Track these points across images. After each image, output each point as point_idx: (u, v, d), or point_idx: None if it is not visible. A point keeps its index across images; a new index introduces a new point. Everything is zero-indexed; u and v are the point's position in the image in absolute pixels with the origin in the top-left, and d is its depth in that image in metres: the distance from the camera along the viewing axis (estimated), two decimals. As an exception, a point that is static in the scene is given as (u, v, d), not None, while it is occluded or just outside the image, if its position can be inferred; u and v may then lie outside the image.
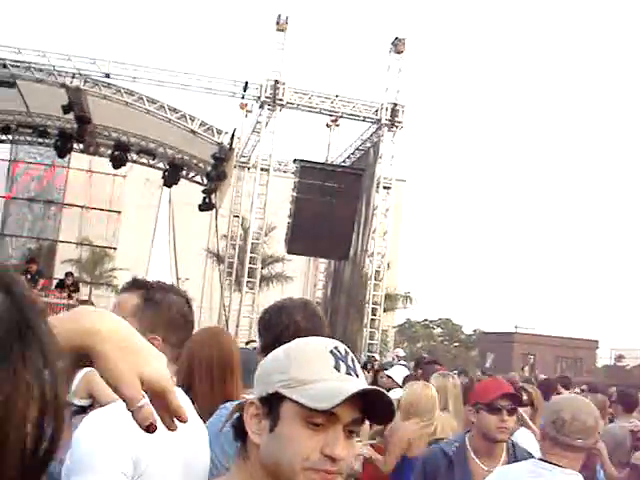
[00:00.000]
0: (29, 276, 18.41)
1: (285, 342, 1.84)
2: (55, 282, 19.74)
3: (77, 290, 18.68)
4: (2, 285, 0.63)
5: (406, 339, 54.74)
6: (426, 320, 60.40)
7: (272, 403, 1.39)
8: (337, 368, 1.39)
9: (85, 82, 19.24)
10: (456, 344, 60.93)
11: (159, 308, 2.24)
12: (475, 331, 59.21)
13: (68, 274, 19.38)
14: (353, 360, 1.45)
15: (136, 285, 2.32)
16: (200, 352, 3.30)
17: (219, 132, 19.87)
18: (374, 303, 20.74)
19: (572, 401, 3.20)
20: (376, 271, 20.89)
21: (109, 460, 1.91)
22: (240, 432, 1.46)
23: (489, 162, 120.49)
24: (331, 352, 1.42)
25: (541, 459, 3.00)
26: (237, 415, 1.48)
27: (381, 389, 1.43)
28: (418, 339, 59.03)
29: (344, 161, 23.90)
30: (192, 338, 3.76)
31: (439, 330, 63.60)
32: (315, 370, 1.37)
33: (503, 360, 43.59)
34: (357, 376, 1.41)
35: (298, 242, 20.98)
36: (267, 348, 2.43)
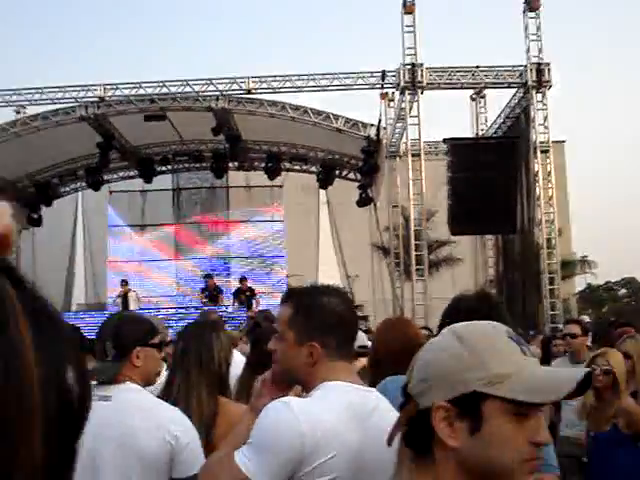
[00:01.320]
0: (207, 292, 19.21)
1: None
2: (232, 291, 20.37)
3: (253, 295, 19.19)
4: None
5: (590, 305, 52.49)
6: (609, 282, 57.72)
7: (468, 403, 1.30)
8: (524, 352, 1.34)
9: (229, 102, 19.87)
10: (644, 302, 57.79)
11: (310, 314, 2.21)
12: (663, 285, 55.97)
13: (242, 279, 19.93)
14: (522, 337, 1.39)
15: (288, 296, 2.34)
16: (384, 342, 3.26)
17: (364, 126, 19.89)
18: (550, 272, 19.97)
19: None
20: (547, 239, 20.11)
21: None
22: (415, 436, 1.37)
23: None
24: (508, 336, 1.36)
25: None
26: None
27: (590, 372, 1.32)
28: (603, 303, 56.50)
29: (495, 132, 23.25)
30: (376, 330, 3.73)
31: (624, 291, 60.61)
32: (512, 360, 1.31)
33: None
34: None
35: (461, 222, 20.53)
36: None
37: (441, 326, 2.57)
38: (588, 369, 1.32)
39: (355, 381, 2.20)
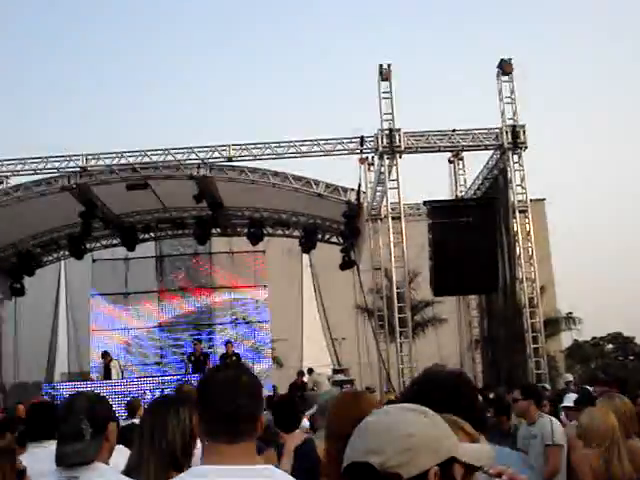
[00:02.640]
0: (193, 358, 19.07)
1: None
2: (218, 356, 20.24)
3: (239, 359, 19.05)
4: None
5: (577, 361, 52.37)
6: (595, 338, 57.70)
7: (444, 468, 1.46)
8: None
9: (210, 169, 20.09)
10: (631, 358, 57.72)
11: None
12: (649, 340, 55.92)
13: (228, 343, 19.74)
14: None
15: None
16: (337, 419, 3.27)
17: (345, 190, 20.13)
18: (534, 331, 20.01)
19: None
20: (529, 298, 20.21)
21: None
22: None
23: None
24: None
25: None
26: None
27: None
28: (590, 359, 56.36)
29: (474, 193, 23.54)
30: (330, 406, 3.74)
31: (610, 346, 60.56)
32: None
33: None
34: None
35: (444, 283, 20.64)
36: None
37: (406, 394, 2.58)
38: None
39: (232, 462, 2.19)
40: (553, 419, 6.77)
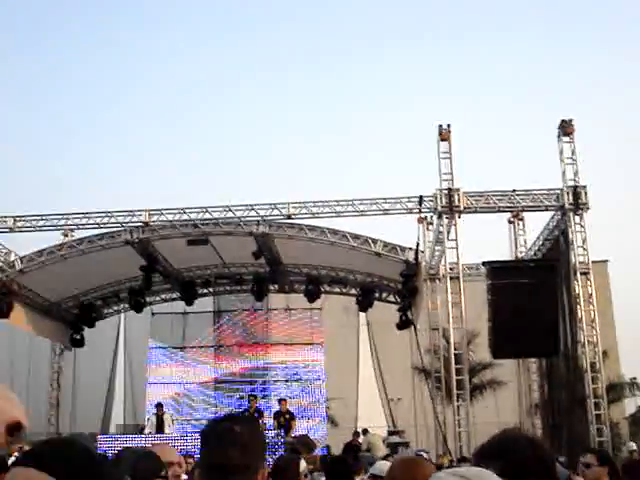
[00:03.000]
0: (248, 414, 18.97)
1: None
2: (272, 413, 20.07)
3: (293, 418, 18.81)
4: None
5: (642, 429, 50.56)
6: (661, 405, 55.75)
7: None
8: None
9: (270, 227, 20.29)
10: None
11: None
12: None
13: (282, 400, 19.58)
14: None
15: None
16: None
17: (403, 249, 20.08)
18: (596, 397, 19.43)
19: None
20: (591, 363, 19.68)
21: None
22: None
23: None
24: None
25: None
26: None
27: None
28: (656, 427, 54.33)
29: (534, 254, 23.23)
30: (389, 469, 3.68)
31: (678, 414, 58.34)
32: None
33: None
34: None
35: (503, 345, 20.29)
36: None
37: (482, 453, 2.46)
38: None
39: None
40: None
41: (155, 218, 21.04)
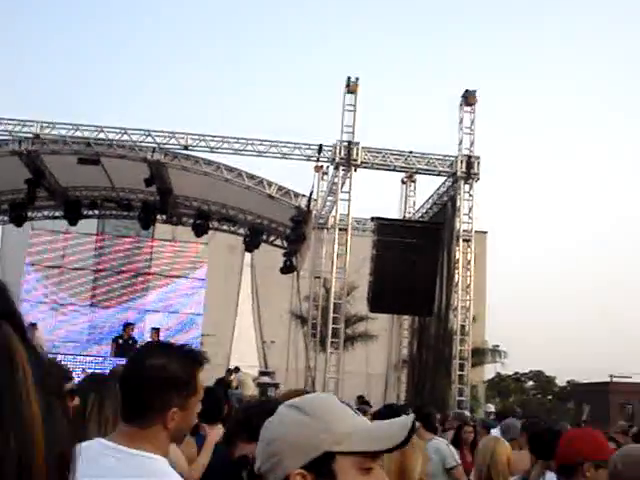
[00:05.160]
0: (121, 341, 18.76)
1: None
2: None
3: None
4: None
5: (497, 393, 53.33)
6: (517, 373, 58.86)
7: (321, 465, 1.39)
8: (355, 413, 1.46)
9: (165, 155, 19.94)
10: (549, 397, 59.03)
11: None
12: (569, 382, 57.36)
13: (155, 330, 19.48)
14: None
15: None
16: None
17: (296, 195, 20.21)
18: (461, 358, 20.36)
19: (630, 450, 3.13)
20: (461, 325, 20.55)
21: None
22: None
23: (575, 203, 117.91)
24: (339, 400, 1.50)
25: None
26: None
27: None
28: (509, 393, 57.45)
29: (422, 216, 23.86)
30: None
31: (531, 383, 61.82)
32: (348, 420, 1.42)
33: (600, 411, 41.99)
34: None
35: (381, 300, 20.88)
36: None
37: None
38: (412, 416, 1.46)
39: (120, 441, 2.25)
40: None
41: (47, 131, 20.25)
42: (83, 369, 15.71)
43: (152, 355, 2.36)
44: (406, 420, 1.42)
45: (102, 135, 20.17)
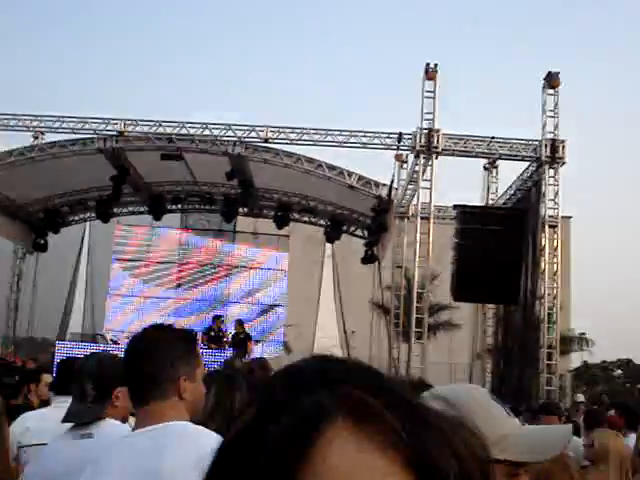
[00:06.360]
0: (213, 333, 19.00)
1: None
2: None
3: (249, 339, 18.79)
4: None
5: (584, 383, 52.10)
6: (604, 362, 57.34)
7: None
8: (508, 414, 1.37)
9: (246, 148, 20.10)
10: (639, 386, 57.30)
11: None
12: (659, 371, 55.55)
13: (239, 322, 19.37)
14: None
15: None
16: None
17: (377, 185, 20.08)
18: (549, 347, 19.93)
19: None
20: (548, 313, 20.10)
21: None
22: None
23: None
24: (492, 398, 1.40)
25: None
26: None
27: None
28: (597, 382, 56.04)
29: (505, 202, 23.43)
30: None
31: (619, 372, 60.16)
32: (501, 423, 1.33)
33: (695, 401, 40.55)
34: None
35: (464, 289, 20.58)
36: None
37: None
38: (570, 425, 1.39)
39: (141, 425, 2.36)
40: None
41: (130, 128, 20.68)
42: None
43: (152, 333, 2.49)
44: (565, 430, 1.35)
45: (184, 130, 20.50)
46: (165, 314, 24.86)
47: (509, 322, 23.43)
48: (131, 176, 21.94)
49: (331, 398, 0.58)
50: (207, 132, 20.47)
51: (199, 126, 20.54)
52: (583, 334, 37.83)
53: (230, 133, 20.48)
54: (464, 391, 1.43)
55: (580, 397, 17.70)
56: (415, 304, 20.29)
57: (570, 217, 41.24)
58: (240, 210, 24.23)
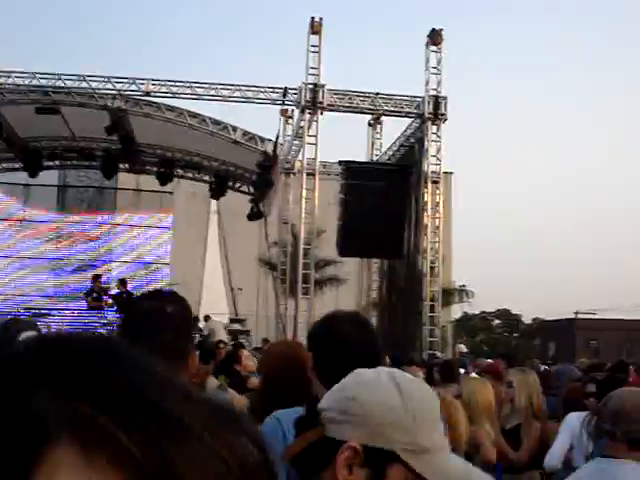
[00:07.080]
0: (95, 294, 18.49)
1: (337, 356, 1.79)
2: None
3: (132, 298, 18.45)
4: None
5: (465, 333, 54.11)
6: (484, 312, 59.68)
7: (378, 457, 1.26)
8: (444, 432, 1.36)
9: (126, 102, 19.44)
10: (516, 335, 60.07)
11: None
12: (535, 320, 58.33)
13: (122, 282, 19.00)
14: None
15: None
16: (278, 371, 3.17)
17: (262, 140, 19.90)
18: (431, 299, 20.44)
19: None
20: (430, 267, 20.58)
21: None
22: (305, 459, 1.32)
23: (541, 140, 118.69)
24: (438, 410, 1.35)
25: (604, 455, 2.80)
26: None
27: None
28: (477, 332, 58.33)
29: (389, 159, 23.66)
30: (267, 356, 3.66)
31: (498, 322, 62.80)
32: (436, 439, 1.30)
33: (565, 348, 42.86)
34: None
35: (349, 244, 20.80)
36: (321, 364, 2.32)
37: (312, 349, 2.47)
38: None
39: None
40: None
41: (2, 80, 19.57)
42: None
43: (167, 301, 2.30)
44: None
45: (60, 83, 19.57)
46: (46, 276, 24.07)
47: (393, 276, 23.87)
48: (4, 130, 20.85)
49: (55, 412, 0.45)
50: (84, 84, 19.61)
51: (76, 78, 19.64)
52: (463, 286, 39.10)
53: (109, 86, 19.70)
54: (422, 390, 1.41)
55: (462, 347, 18.30)
56: (301, 260, 20.34)
57: (452, 173, 42.18)
58: (121, 166, 23.52)
